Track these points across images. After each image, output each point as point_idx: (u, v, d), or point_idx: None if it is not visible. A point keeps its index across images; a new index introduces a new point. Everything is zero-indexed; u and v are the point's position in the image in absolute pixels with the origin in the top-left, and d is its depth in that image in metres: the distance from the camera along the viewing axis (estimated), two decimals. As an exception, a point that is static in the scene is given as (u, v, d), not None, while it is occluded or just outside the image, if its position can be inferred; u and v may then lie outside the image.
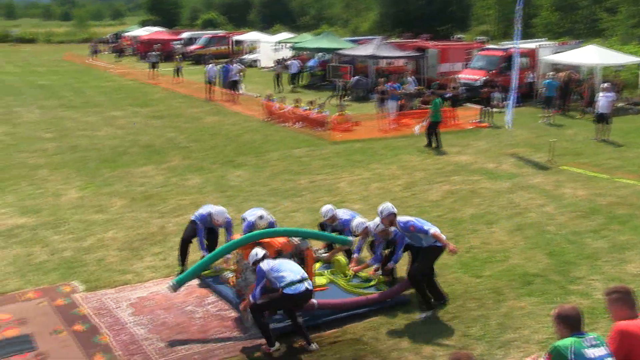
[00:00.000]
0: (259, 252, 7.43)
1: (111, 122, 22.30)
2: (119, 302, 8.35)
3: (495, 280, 9.04)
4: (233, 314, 8.11)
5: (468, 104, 24.78)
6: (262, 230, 8.29)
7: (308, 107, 21.90)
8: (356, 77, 29.01)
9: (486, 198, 13.17)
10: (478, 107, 23.06)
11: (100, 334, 7.50)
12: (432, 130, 18.30)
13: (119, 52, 56.58)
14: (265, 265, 7.21)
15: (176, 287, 7.84)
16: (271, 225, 8.90)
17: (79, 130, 20.46)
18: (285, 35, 47.74)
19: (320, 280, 8.62)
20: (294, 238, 8.22)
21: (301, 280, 7.05)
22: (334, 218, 9.51)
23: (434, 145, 18.11)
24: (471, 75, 27.12)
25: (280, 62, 35.44)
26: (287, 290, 6.95)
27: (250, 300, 7.17)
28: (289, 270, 7.17)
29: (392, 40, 37.24)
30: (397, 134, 20.27)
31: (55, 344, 7.22)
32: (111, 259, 9.81)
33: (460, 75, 27.30)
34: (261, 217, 8.76)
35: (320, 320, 7.76)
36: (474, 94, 25.01)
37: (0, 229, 11.01)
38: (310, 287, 7.11)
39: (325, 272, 9.01)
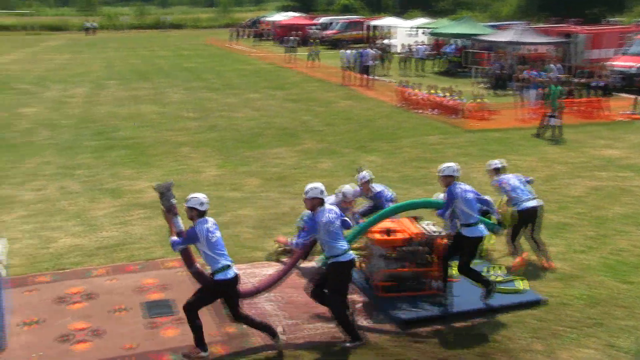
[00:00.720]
0: None
1: (249, 104, 23.09)
2: (251, 277, 8.63)
3: (649, 288, 8.32)
4: (360, 297, 8.12)
5: (621, 94, 23.10)
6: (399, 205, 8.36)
7: (443, 94, 21.42)
8: (495, 64, 27.99)
9: (638, 197, 12.20)
10: (632, 97, 21.41)
11: (233, 307, 7.81)
12: (547, 120, 17.40)
13: (258, 36, 58.41)
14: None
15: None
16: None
17: (218, 111, 21.39)
18: (421, 20, 46.95)
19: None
20: (425, 227, 8.08)
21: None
22: (368, 188, 9.28)
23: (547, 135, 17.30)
24: (627, 62, 25.21)
25: (407, 47, 34.95)
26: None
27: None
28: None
29: (536, 26, 35.44)
30: (537, 124, 19.29)
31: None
32: (245, 236, 10.17)
33: (613, 63, 25.48)
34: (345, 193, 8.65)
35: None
36: (629, 83, 23.28)
37: (147, 201, 11.77)
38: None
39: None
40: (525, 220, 8.79)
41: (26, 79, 29.78)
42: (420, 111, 21.22)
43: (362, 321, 7.51)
